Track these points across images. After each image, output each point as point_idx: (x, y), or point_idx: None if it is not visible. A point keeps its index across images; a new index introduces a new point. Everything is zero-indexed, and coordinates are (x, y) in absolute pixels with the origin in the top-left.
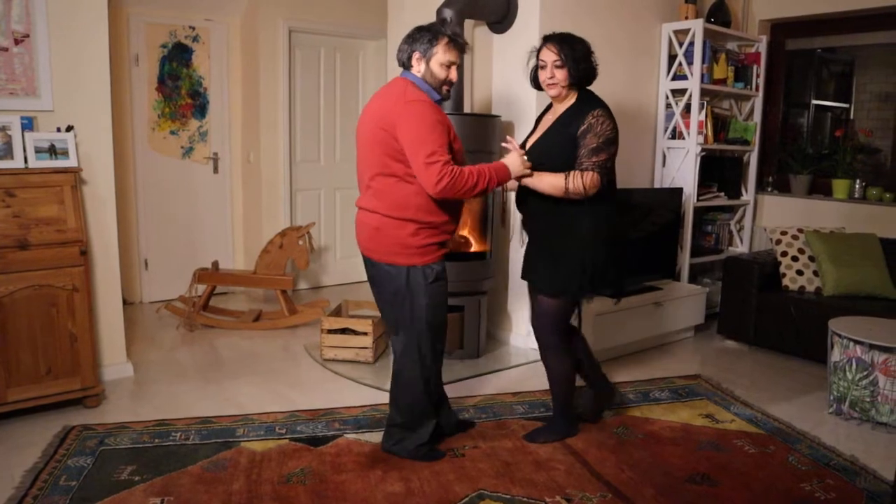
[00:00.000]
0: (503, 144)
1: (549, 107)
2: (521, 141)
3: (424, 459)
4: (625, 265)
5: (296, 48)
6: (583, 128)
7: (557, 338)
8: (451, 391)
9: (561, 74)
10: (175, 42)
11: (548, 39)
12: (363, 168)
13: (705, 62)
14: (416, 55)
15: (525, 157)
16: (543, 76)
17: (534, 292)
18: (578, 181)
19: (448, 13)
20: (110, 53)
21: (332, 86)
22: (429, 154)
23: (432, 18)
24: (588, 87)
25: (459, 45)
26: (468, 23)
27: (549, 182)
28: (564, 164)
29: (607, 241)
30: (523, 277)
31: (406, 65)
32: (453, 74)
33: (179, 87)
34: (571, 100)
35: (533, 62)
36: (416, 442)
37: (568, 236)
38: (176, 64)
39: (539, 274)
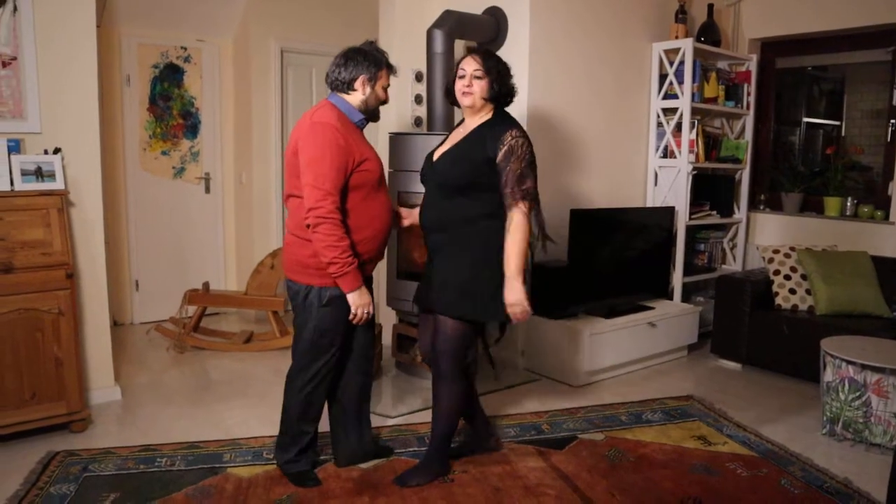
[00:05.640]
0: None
1: (461, 122)
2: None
3: (291, 479)
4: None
5: (288, 68)
6: (503, 150)
7: (456, 367)
8: None
9: (479, 86)
10: (167, 63)
11: (472, 50)
12: (285, 190)
13: (696, 81)
14: (361, 79)
15: (370, 305)
16: (460, 85)
17: (427, 313)
18: (524, 220)
19: (437, 33)
20: (101, 74)
21: None
22: (315, 177)
23: (422, 38)
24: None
25: (393, 70)
26: (458, 43)
27: (516, 251)
28: (468, 181)
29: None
30: (418, 301)
31: (347, 86)
32: (388, 95)
33: (171, 107)
34: (486, 116)
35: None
36: (283, 457)
37: (481, 257)
38: (167, 84)
39: (444, 294)
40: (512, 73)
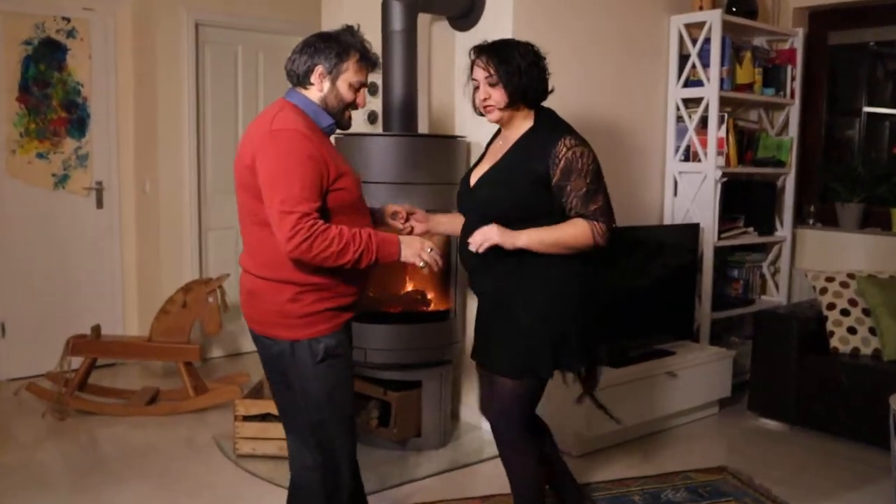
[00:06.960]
0: (389, 221)
1: (500, 131)
2: (462, 174)
3: None
4: (598, 332)
5: (205, 46)
6: (559, 167)
7: (523, 430)
8: (403, 495)
9: (497, 94)
10: (43, 38)
11: (476, 53)
12: (239, 216)
13: (725, 63)
14: (318, 70)
15: (424, 243)
16: (478, 99)
17: (487, 373)
18: (587, 230)
19: (395, 6)
20: None
21: (253, 94)
22: (283, 200)
23: (376, 9)
24: (544, 105)
25: (372, 62)
26: (423, 17)
27: (546, 238)
28: (518, 207)
29: (587, 305)
30: (476, 357)
31: (302, 80)
32: (361, 98)
33: (50, 96)
34: (527, 123)
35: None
36: None
37: (536, 302)
38: (44, 66)
39: (498, 350)
40: (538, 59)
